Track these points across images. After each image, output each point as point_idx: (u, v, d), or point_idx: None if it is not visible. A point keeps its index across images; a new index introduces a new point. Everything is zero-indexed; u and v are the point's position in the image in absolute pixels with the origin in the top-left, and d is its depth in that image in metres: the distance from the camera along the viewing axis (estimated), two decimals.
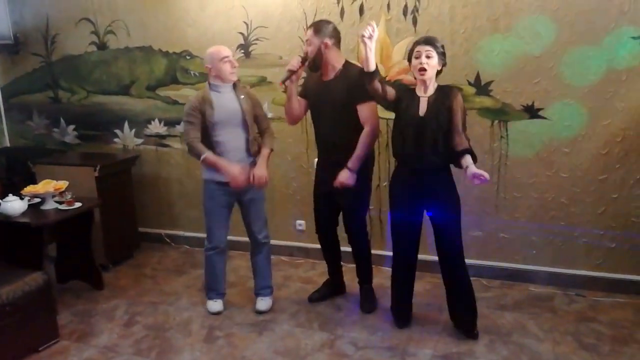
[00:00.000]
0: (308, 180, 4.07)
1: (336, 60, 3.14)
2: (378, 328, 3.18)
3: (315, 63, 3.12)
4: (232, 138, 3.20)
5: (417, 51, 2.79)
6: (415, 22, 3.56)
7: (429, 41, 2.80)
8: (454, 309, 3.09)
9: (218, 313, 3.42)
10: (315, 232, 3.51)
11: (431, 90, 2.86)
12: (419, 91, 2.88)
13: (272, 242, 3.64)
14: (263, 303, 3.45)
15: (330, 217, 3.41)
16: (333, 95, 3.09)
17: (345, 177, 3.08)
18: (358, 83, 2.95)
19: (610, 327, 3.09)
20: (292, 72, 3.08)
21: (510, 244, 3.67)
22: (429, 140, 2.80)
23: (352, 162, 3.07)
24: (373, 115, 3.10)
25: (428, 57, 2.76)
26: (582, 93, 3.29)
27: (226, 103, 3.18)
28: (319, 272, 3.99)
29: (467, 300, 3.01)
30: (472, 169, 2.70)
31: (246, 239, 3.53)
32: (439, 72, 2.88)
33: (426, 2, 3.50)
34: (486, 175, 2.65)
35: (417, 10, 3.54)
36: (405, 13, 3.57)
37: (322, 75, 3.19)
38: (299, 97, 3.27)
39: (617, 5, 3.12)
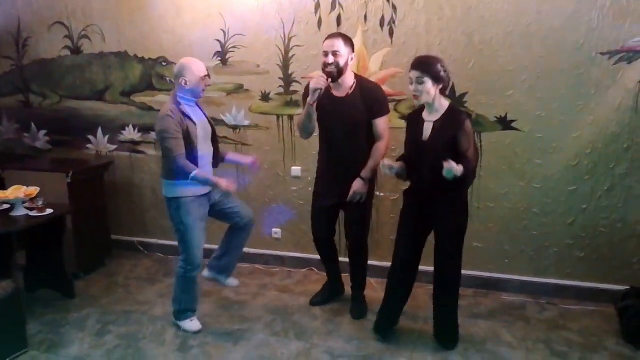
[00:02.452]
0: (284, 189, 4.08)
1: (350, 74, 3.15)
2: (354, 337, 3.19)
3: (338, 74, 3.06)
4: (207, 153, 3.19)
5: (410, 77, 2.76)
6: (391, 33, 3.60)
7: (418, 66, 2.73)
8: (437, 327, 3.12)
9: (200, 331, 3.30)
10: (314, 240, 3.51)
11: (438, 113, 2.80)
12: (425, 114, 2.86)
13: (248, 250, 3.64)
14: (233, 281, 3.51)
15: (330, 229, 3.45)
16: (351, 111, 3.09)
17: (359, 186, 3.14)
18: (374, 97, 3.08)
19: (580, 334, 3.16)
20: (320, 90, 3.02)
21: (484, 253, 3.73)
22: (427, 164, 2.78)
23: (366, 172, 3.14)
24: (387, 128, 3.19)
25: (419, 83, 2.71)
26: (553, 106, 3.38)
27: (201, 117, 3.18)
28: (295, 281, 3.99)
29: (451, 324, 3.06)
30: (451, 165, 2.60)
31: (215, 246, 3.50)
32: (444, 90, 2.79)
33: (402, 14, 3.55)
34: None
35: (394, 22, 3.59)
36: (382, 24, 3.62)
37: (331, 89, 3.14)
38: None
39: (586, 22, 3.22)
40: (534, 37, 3.33)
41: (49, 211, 3.52)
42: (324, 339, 3.18)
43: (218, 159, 3.32)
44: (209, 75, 3.18)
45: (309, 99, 3.06)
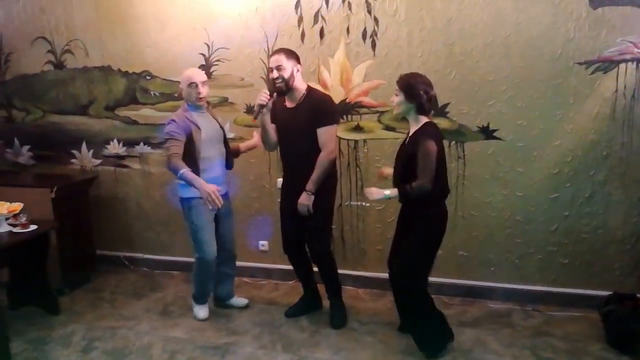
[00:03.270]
0: (271, 201, 4.09)
1: (301, 85, 3.22)
2: (341, 347, 3.19)
3: (287, 87, 3.16)
4: (214, 155, 3.37)
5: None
6: (374, 45, 3.65)
7: (398, 80, 2.87)
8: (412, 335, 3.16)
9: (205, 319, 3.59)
10: (284, 251, 3.53)
11: (413, 129, 2.90)
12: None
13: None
14: (241, 300, 3.79)
15: (297, 236, 3.44)
16: (299, 121, 3.17)
17: (303, 199, 3.19)
18: (320, 108, 3.14)
19: (565, 340, 3.19)
20: (262, 107, 3.16)
21: (469, 261, 3.77)
22: (398, 175, 2.95)
23: (309, 184, 3.18)
24: (330, 140, 3.18)
25: (395, 95, 2.86)
26: (534, 115, 3.44)
27: (209, 122, 3.37)
28: (282, 293, 3.98)
29: (419, 332, 3.08)
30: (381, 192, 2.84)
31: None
32: (421, 108, 2.83)
33: (384, 26, 3.60)
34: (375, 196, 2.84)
35: (376, 34, 3.63)
36: (364, 37, 3.66)
37: (284, 101, 3.25)
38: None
39: (563, 33, 3.29)
40: (513, 47, 3.39)
41: (33, 227, 3.48)
42: (311, 350, 3.18)
43: (231, 159, 3.54)
44: (196, 84, 3.26)
45: (253, 114, 3.24)
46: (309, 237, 3.39)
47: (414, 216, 2.93)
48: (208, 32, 4.00)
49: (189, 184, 3.13)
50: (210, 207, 3.05)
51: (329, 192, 3.33)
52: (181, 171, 3.10)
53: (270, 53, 3.47)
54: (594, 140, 3.37)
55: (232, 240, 3.64)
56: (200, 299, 3.64)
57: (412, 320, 3.10)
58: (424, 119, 2.87)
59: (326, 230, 3.39)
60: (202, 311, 3.63)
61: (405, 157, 2.87)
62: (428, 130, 2.82)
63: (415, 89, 2.79)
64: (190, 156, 3.23)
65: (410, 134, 2.91)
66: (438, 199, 2.91)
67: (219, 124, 3.47)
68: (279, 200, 3.52)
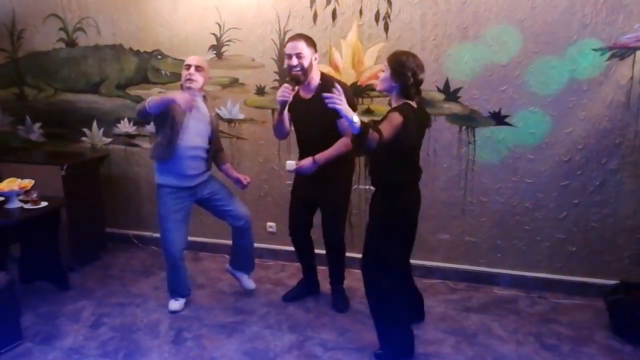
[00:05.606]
0: (279, 183, 4.10)
1: (316, 74, 3.16)
2: (347, 329, 3.21)
3: (304, 77, 3.07)
4: (193, 146, 3.24)
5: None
6: (386, 28, 3.61)
7: (389, 57, 2.69)
8: None
9: (175, 312, 3.47)
10: (289, 233, 3.54)
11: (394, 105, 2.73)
12: None
13: None
14: (249, 283, 3.67)
15: (306, 220, 3.45)
16: (317, 113, 3.03)
17: (307, 164, 3.11)
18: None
19: (570, 328, 3.19)
20: (286, 102, 3.05)
21: (476, 247, 3.76)
22: (371, 160, 2.88)
23: (320, 156, 3.10)
24: None
25: (383, 70, 2.70)
26: (546, 101, 3.40)
27: (196, 114, 3.23)
28: (289, 274, 4.01)
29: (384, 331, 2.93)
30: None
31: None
32: (405, 90, 2.65)
33: (398, 8, 3.56)
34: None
35: (389, 17, 3.60)
36: (377, 19, 3.62)
37: (299, 91, 3.16)
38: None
39: (579, 19, 3.24)
40: (528, 32, 3.34)
41: (44, 204, 3.52)
42: (317, 331, 3.21)
43: (215, 159, 3.48)
44: (189, 65, 3.22)
45: (277, 111, 3.12)
46: (325, 223, 3.37)
47: (375, 200, 2.85)
48: (220, 11, 3.97)
49: (161, 104, 3.02)
50: (188, 111, 3.06)
51: (347, 181, 3.34)
52: (148, 100, 3.03)
53: (287, 38, 3.28)
54: (607, 128, 3.33)
55: (236, 211, 3.46)
56: (172, 292, 3.50)
57: (373, 316, 2.88)
58: (401, 100, 2.67)
59: (342, 217, 3.40)
60: (173, 304, 3.47)
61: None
62: (401, 107, 2.62)
63: (403, 67, 2.60)
64: (171, 140, 3.17)
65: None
66: (403, 184, 2.75)
67: (210, 119, 3.33)
68: (290, 182, 3.52)
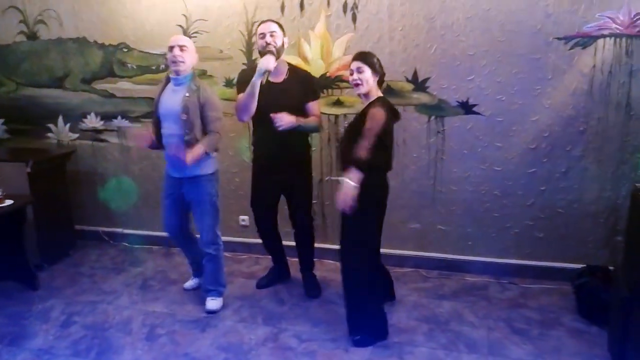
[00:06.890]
0: (250, 176, 4.06)
1: (283, 61, 3.23)
2: (321, 320, 3.23)
3: (277, 56, 3.09)
4: (171, 134, 3.14)
5: (350, 68, 2.84)
6: (354, 18, 3.61)
7: (358, 57, 2.83)
8: None
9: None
10: (256, 225, 3.59)
11: (367, 103, 2.85)
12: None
13: None
14: (214, 303, 3.39)
15: (272, 209, 3.53)
16: (290, 96, 3.16)
17: (287, 118, 3.09)
18: (308, 83, 3.25)
19: (539, 312, 3.27)
20: (269, 71, 3.03)
21: (447, 235, 3.81)
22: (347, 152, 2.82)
23: (300, 118, 3.16)
24: (319, 110, 3.34)
25: (360, 72, 2.79)
26: (513, 90, 3.45)
27: (171, 97, 3.12)
28: (263, 267, 4.00)
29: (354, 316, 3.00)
30: (345, 185, 2.67)
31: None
32: (380, 83, 2.90)
33: None
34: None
35: (357, 7, 3.59)
36: (345, 9, 3.61)
37: (269, 75, 3.10)
38: None
39: (543, 7, 3.28)
40: (494, 21, 3.38)
41: (9, 202, 3.45)
42: (291, 323, 3.21)
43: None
44: (171, 46, 3.07)
45: (254, 79, 3.02)
46: (294, 211, 3.48)
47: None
48: (185, 2, 3.91)
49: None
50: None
51: (310, 165, 3.46)
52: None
53: (255, 29, 3.42)
54: (571, 116, 3.40)
55: (203, 234, 3.31)
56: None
57: (348, 301, 2.95)
58: (379, 93, 2.88)
59: (310, 203, 3.51)
60: (187, 282, 3.73)
61: (356, 131, 2.74)
62: (382, 101, 2.80)
63: (375, 63, 2.84)
64: (156, 127, 3.23)
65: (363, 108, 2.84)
66: (378, 171, 2.83)
67: (185, 102, 3.05)
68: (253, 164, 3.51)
